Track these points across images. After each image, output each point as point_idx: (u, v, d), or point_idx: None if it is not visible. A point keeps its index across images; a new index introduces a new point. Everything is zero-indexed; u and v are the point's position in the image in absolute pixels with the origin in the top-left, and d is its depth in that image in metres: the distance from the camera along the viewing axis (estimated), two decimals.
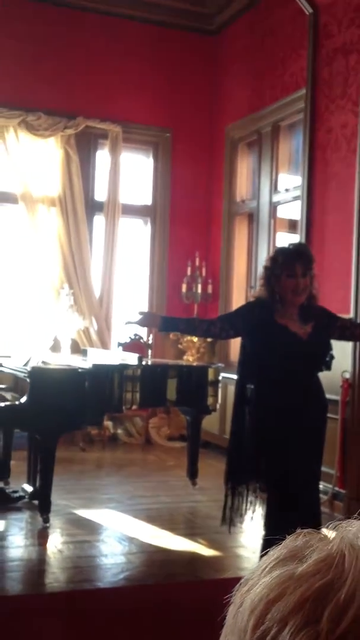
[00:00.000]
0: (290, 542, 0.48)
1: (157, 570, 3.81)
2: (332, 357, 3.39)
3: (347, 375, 4.83)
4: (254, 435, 3.33)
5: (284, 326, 3.27)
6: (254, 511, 3.53)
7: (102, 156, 7.33)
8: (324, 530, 0.51)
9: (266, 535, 3.26)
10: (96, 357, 5.26)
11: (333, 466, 4.87)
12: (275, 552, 0.48)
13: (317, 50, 5.48)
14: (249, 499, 3.45)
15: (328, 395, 3.50)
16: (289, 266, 3.25)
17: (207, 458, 6.31)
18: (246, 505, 3.45)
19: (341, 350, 4.27)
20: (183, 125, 7.51)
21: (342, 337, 3.45)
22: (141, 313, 3.51)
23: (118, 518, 4.65)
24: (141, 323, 3.55)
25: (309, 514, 3.15)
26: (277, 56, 6.33)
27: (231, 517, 3.47)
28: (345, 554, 0.44)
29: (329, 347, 3.38)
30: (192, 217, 7.59)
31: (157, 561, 3.94)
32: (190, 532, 4.48)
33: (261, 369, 3.30)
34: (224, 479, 3.51)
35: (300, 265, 3.26)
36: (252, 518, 3.57)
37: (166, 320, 3.53)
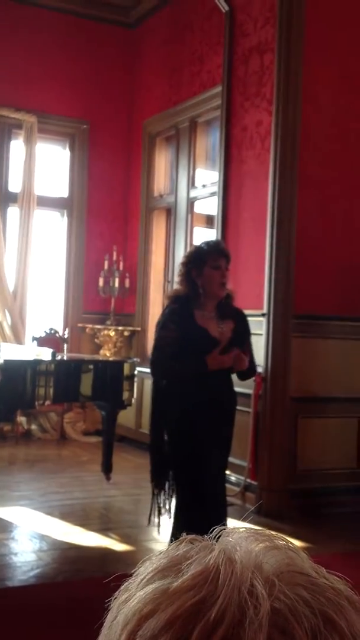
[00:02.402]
0: (172, 551, 0.47)
1: (68, 567, 3.78)
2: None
3: (260, 370, 4.92)
4: (167, 432, 3.34)
5: (204, 330, 3.27)
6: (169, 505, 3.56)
7: (17, 146, 7.17)
8: (218, 531, 0.49)
9: (174, 526, 3.28)
10: (9, 352, 5.15)
11: (245, 458, 4.96)
12: (156, 560, 0.47)
13: (233, 48, 5.54)
14: (168, 494, 3.48)
15: (241, 389, 3.56)
16: (215, 258, 3.27)
17: (123, 452, 6.30)
18: (168, 501, 3.48)
19: (254, 346, 4.34)
20: (101, 117, 7.44)
21: None
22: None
23: (30, 515, 4.58)
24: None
25: (215, 507, 3.19)
26: (194, 52, 6.36)
27: (158, 515, 3.48)
28: (221, 570, 0.43)
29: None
30: (110, 211, 7.54)
31: (68, 558, 3.91)
32: (104, 528, 4.46)
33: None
34: (150, 478, 3.53)
35: (223, 259, 3.29)
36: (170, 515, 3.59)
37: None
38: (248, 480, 5.00)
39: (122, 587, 0.48)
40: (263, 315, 4.93)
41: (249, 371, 3.46)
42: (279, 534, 0.49)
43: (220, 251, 3.31)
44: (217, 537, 0.48)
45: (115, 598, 0.47)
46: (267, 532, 0.49)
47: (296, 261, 4.92)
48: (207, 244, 3.42)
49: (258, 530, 0.49)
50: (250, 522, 0.52)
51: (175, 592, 0.42)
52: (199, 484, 3.22)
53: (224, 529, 0.50)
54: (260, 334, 4.85)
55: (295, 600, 0.42)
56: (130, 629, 0.43)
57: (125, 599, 0.46)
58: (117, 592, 0.48)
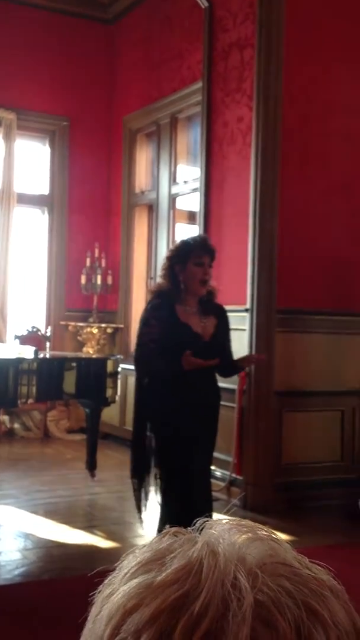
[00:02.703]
0: (155, 544, 0.47)
1: (54, 565, 3.76)
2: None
3: None
4: (151, 428, 3.34)
5: (187, 325, 3.27)
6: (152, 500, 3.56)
7: None
8: (199, 523, 0.49)
9: (159, 524, 3.28)
10: None
11: (230, 453, 4.97)
12: (140, 554, 0.47)
13: (213, 44, 5.54)
14: (150, 489, 3.48)
15: (225, 385, 3.56)
16: (199, 255, 3.27)
17: (107, 449, 6.30)
18: (147, 496, 3.48)
19: (238, 341, 4.36)
20: (81, 114, 7.41)
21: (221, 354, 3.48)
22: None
23: (14, 514, 4.56)
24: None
25: (200, 502, 3.20)
26: (174, 48, 6.35)
27: (139, 511, 3.49)
28: (204, 563, 0.43)
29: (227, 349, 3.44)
30: (91, 208, 7.52)
31: (54, 556, 3.90)
32: (89, 525, 4.45)
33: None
34: (130, 474, 3.52)
35: (207, 256, 3.30)
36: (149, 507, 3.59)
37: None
38: (233, 475, 5.01)
39: (106, 581, 0.48)
40: (246, 310, 4.94)
41: (230, 368, 3.48)
42: (262, 525, 0.49)
43: (205, 248, 3.31)
44: (200, 529, 0.48)
45: (99, 592, 0.47)
46: (250, 523, 0.49)
47: (279, 256, 4.93)
48: (194, 239, 3.43)
49: (241, 521, 0.49)
50: (236, 516, 0.52)
51: (159, 587, 0.42)
52: (184, 480, 3.22)
53: (207, 521, 0.50)
54: (244, 329, 4.86)
55: (278, 591, 0.42)
56: (114, 624, 0.43)
57: (109, 593, 0.46)
58: (100, 586, 0.48)
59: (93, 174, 7.51)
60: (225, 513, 4.10)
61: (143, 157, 7.21)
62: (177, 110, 6.41)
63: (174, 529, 0.49)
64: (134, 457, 3.49)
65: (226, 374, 3.59)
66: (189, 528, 0.49)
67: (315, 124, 5.10)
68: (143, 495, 3.49)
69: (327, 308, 5.08)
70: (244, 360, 3.74)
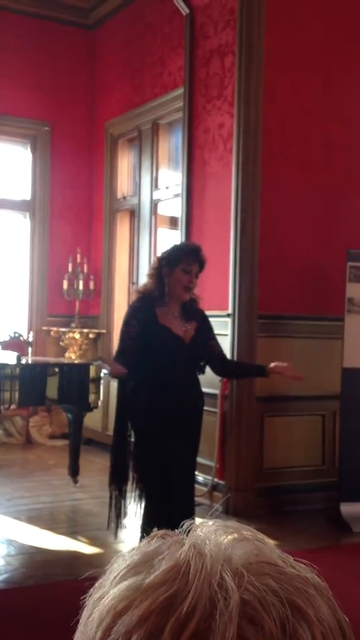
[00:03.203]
0: (144, 547, 0.48)
1: (37, 572, 3.75)
2: (206, 362, 3.47)
3: None
4: (133, 431, 3.35)
5: (166, 328, 3.29)
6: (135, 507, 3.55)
7: None
8: (187, 525, 0.50)
9: (143, 527, 3.29)
10: None
11: (212, 458, 4.99)
12: (129, 557, 0.48)
13: (194, 50, 5.57)
14: (130, 495, 3.47)
15: (207, 390, 3.58)
16: (188, 261, 3.29)
17: (89, 455, 6.28)
18: (126, 503, 3.46)
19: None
20: (62, 119, 7.41)
21: (203, 356, 3.50)
22: (102, 360, 3.54)
23: None
24: (115, 374, 3.44)
25: (183, 506, 3.21)
26: (155, 54, 6.37)
27: (117, 519, 3.47)
28: (191, 564, 0.44)
29: (206, 351, 3.45)
30: (73, 213, 7.51)
31: (36, 562, 3.88)
32: (71, 531, 4.44)
33: (140, 369, 3.32)
34: (109, 481, 3.50)
35: (197, 265, 3.32)
36: (135, 514, 3.58)
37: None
38: (215, 479, 5.03)
39: (96, 584, 0.48)
40: (228, 315, 4.96)
41: (243, 369, 3.55)
42: (247, 526, 0.50)
43: (196, 256, 3.33)
44: (187, 531, 0.49)
45: (90, 595, 0.48)
46: (236, 524, 0.50)
47: (260, 261, 4.96)
48: (187, 245, 3.46)
49: (226, 522, 0.51)
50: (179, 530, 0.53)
51: (148, 588, 0.43)
52: (168, 484, 3.23)
53: (194, 523, 0.51)
54: (226, 335, 4.89)
55: (264, 590, 0.43)
56: (105, 626, 0.44)
57: (99, 596, 0.47)
58: (91, 589, 0.49)
59: (75, 179, 7.50)
60: (208, 518, 4.12)
61: (125, 162, 7.23)
62: (158, 116, 6.43)
63: (161, 532, 0.50)
64: (114, 463, 3.48)
65: (237, 375, 3.64)
66: (176, 530, 0.50)
67: (295, 130, 5.15)
68: (122, 502, 3.46)
69: (307, 313, 5.12)
70: (274, 369, 3.51)
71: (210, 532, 0.49)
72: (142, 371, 3.33)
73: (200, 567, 0.44)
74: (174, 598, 0.42)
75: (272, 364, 3.54)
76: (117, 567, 0.48)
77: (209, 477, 5.04)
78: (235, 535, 0.48)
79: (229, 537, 0.48)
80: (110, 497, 3.49)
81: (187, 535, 0.49)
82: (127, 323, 3.38)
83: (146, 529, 3.23)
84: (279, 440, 5.05)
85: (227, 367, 3.62)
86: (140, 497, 3.29)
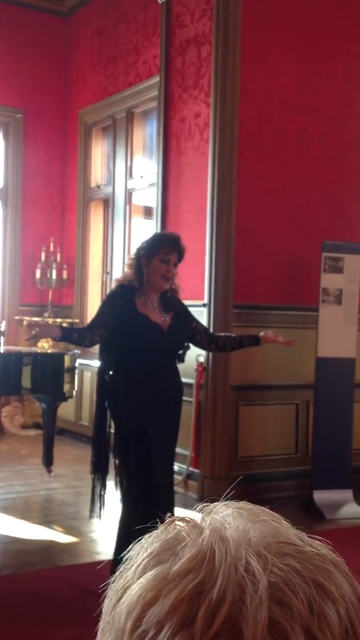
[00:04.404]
0: (162, 534, 0.48)
1: (13, 561, 3.74)
2: (186, 349, 3.47)
3: (202, 360, 4.98)
4: (113, 421, 3.34)
5: (144, 316, 3.29)
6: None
7: None
8: (194, 515, 0.50)
9: (123, 517, 3.29)
10: None
11: (188, 447, 5.01)
12: (148, 545, 0.48)
13: (170, 39, 5.55)
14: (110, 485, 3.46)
15: (183, 379, 3.58)
16: (166, 251, 3.28)
17: (63, 445, 6.26)
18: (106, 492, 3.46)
19: None
20: (35, 106, 7.33)
21: (191, 339, 3.51)
22: (35, 325, 3.49)
23: None
24: (42, 335, 3.45)
25: (163, 495, 3.22)
26: (130, 42, 6.33)
27: (100, 509, 3.45)
28: (215, 550, 0.44)
29: (185, 339, 3.45)
30: (46, 201, 7.45)
31: (12, 551, 3.87)
32: (46, 520, 4.44)
33: (119, 359, 3.31)
34: (91, 470, 3.48)
35: (175, 255, 3.31)
36: (114, 504, 3.57)
37: (63, 329, 3.46)
38: (190, 468, 5.05)
39: (117, 573, 0.48)
40: (204, 305, 4.98)
41: (235, 340, 3.59)
42: (260, 507, 0.51)
43: (175, 246, 3.32)
44: (202, 514, 0.49)
45: (111, 585, 0.48)
46: (248, 505, 0.51)
47: (236, 252, 4.98)
48: (165, 235, 3.44)
49: (239, 504, 0.51)
50: (194, 510, 0.53)
51: (175, 577, 0.43)
52: (148, 473, 3.23)
53: (207, 506, 0.51)
54: None
55: (288, 571, 0.43)
56: (135, 616, 0.43)
57: (122, 585, 0.46)
58: (111, 578, 0.48)
59: (48, 167, 7.44)
60: (183, 507, 4.14)
61: (99, 151, 7.18)
62: (133, 105, 6.40)
63: (178, 517, 0.49)
64: (96, 452, 3.47)
65: (232, 347, 3.66)
66: (193, 514, 0.50)
67: (271, 121, 5.17)
68: (102, 490, 3.46)
69: (282, 303, 5.16)
70: (267, 338, 3.67)
71: (226, 515, 0.49)
72: (120, 360, 3.32)
73: (225, 553, 0.44)
74: (203, 585, 0.42)
75: (262, 333, 3.69)
76: (136, 556, 0.47)
77: (184, 466, 5.06)
78: (251, 516, 0.49)
79: (245, 519, 0.48)
80: (93, 487, 3.47)
81: (202, 519, 0.49)
82: (106, 303, 3.38)
83: (126, 519, 3.23)
84: (254, 429, 5.09)
85: (218, 341, 3.60)
86: (121, 487, 3.28)
